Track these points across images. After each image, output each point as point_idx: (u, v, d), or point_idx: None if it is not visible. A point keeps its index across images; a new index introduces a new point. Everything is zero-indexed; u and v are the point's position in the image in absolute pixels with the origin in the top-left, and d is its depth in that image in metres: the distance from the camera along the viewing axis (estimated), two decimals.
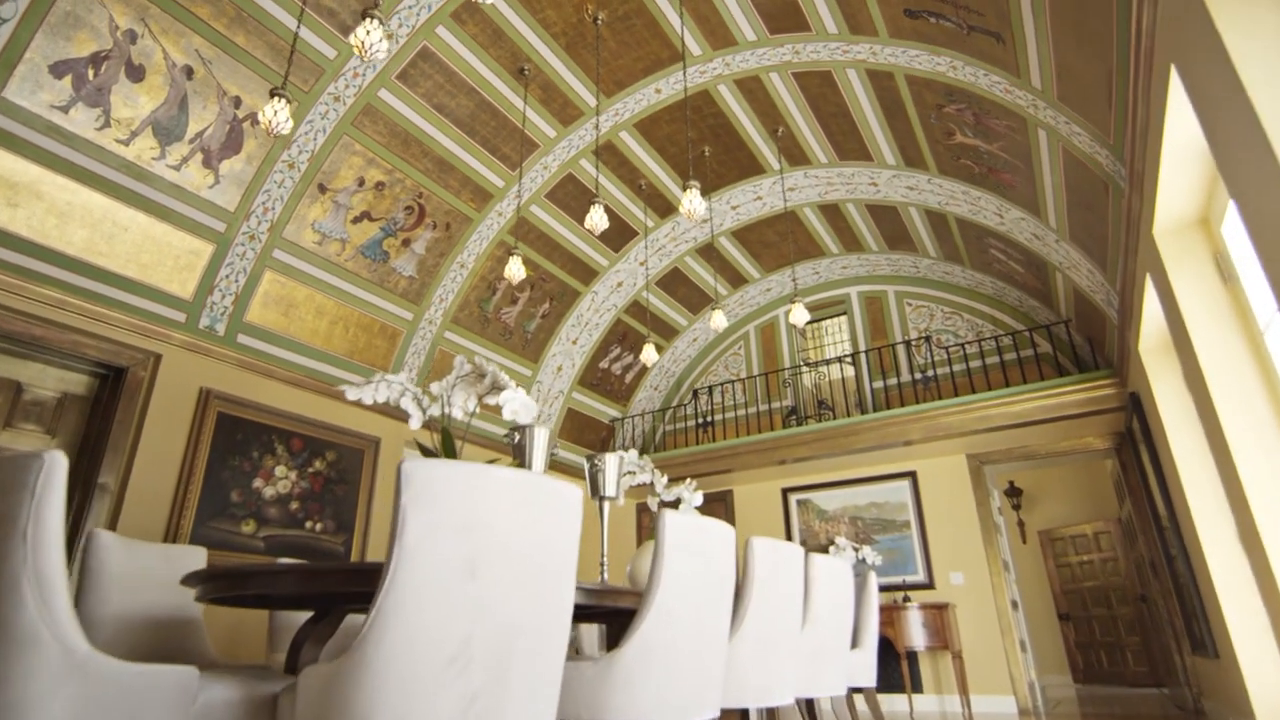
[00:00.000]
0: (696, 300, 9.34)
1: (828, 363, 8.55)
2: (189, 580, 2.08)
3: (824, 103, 6.14)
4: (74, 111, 4.48)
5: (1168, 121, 2.98)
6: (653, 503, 4.65)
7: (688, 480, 4.44)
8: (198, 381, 5.24)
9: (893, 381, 8.45)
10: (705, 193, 7.63)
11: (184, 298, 5.23)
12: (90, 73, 4.48)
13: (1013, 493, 11.08)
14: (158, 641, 2.81)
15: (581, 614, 3.05)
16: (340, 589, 1.82)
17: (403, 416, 6.73)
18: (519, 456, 3.62)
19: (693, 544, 2.57)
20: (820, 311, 9.59)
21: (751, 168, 7.32)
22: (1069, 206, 5.04)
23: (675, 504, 4.68)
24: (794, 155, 7.05)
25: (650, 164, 7.11)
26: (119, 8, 4.42)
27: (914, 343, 8.32)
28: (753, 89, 6.20)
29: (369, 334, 6.44)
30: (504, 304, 7.50)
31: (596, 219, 4.77)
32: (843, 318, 9.52)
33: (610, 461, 4.28)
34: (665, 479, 4.54)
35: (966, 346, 8.09)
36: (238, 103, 5.09)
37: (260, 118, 3.54)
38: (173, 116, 4.88)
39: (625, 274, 8.35)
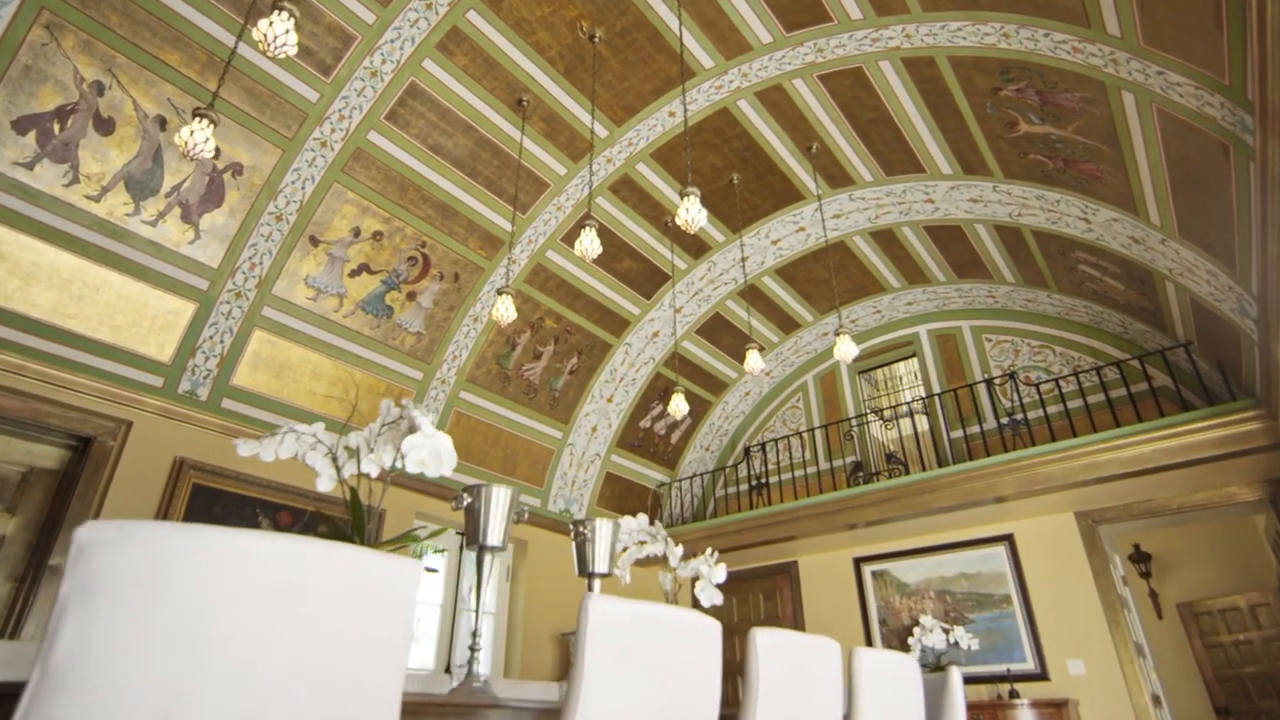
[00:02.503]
0: (743, 349, 8.49)
1: (895, 409, 7.48)
2: None
3: (859, 108, 5.39)
4: (39, 168, 4.26)
5: None
6: (665, 580, 3.81)
7: (708, 550, 3.56)
8: (172, 451, 4.80)
9: (974, 430, 7.27)
10: (738, 227, 6.92)
11: (162, 360, 4.86)
12: (56, 127, 4.27)
13: (1139, 558, 9.36)
14: None
15: None
16: None
17: (413, 484, 6.13)
18: (470, 525, 2.91)
19: (639, 650, 1.74)
20: (885, 355, 8.56)
21: (788, 195, 6.59)
22: (1175, 190, 4.03)
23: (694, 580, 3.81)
24: (834, 175, 6.28)
25: (674, 197, 6.50)
26: (83, 59, 4.23)
27: (996, 381, 7.17)
28: (777, 101, 5.53)
29: (374, 396, 5.93)
30: (526, 360, 6.91)
31: (587, 244, 4.13)
32: (912, 360, 8.44)
33: (601, 529, 3.49)
34: (680, 550, 3.69)
35: (1061, 383, 6.88)
36: (217, 153, 4.81)
37: (177, 139, 3.12)
38: (146, 170, 4.62)
39: (661, 322, 7.66)
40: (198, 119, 3.22)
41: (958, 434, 7.38)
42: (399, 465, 2.51)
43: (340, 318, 5.65)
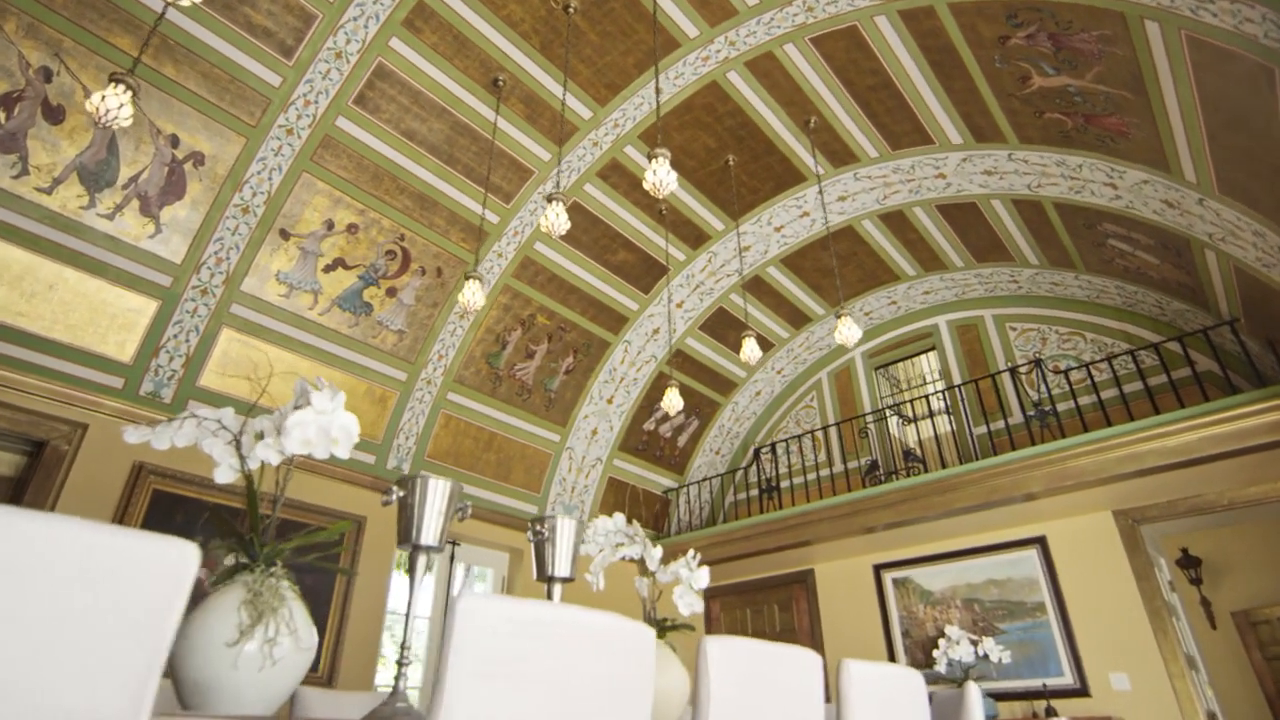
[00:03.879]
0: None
1: (911, 404, 7.00)
2: None
3: (857, 73, 5.00)
4: None
5: None
6: (641, 585, 3.43)
7: (690, 552, 3.17)
8: (131, 455, 4.54)
9: (999, 426, 6.75)
10: (738, 214, 6.55)
11: (122, 361, 4.62)
12: (1, 116, 4.08)
13: (1188, 562, 8.67)
14: None
15: None
16: None
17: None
18: (402, 522, 2.59)
19: (529, 665, 1.38)
20: (903, 349, 8.07)
21: (788, 176, 6.20)
22: (1211, 138, 3.57)
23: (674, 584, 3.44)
24: (836, 153, 5.88)
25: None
26: (28, 44, 4.03)
27: (1021, 370, 6.66)
28: (769, 70, 5.17)
29: (353, 398, 5.65)
30: (518, 359, 6.59)
31: (553, 218, 3.78)
32: (931, 354, 7.95)
33: (563, 528, 3.14)
34: (659, 552, 3.32)
35: (1093, 370, 6.35)
36: (175, 141, 4.59)
37: (88, 105, 2.86)
38: (101, 160, 4.41)
39: (661, 318, 7.29)
40: (114, 84, 2.97)
41: (981, 430, 6.86)
42: (315, 453, 2.19)
43: (315, 315, 5.39)
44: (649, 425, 7.85)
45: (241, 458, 2.28)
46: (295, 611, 2.10)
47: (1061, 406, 6.46)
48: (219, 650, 1.85)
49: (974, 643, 6.08)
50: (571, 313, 6.74)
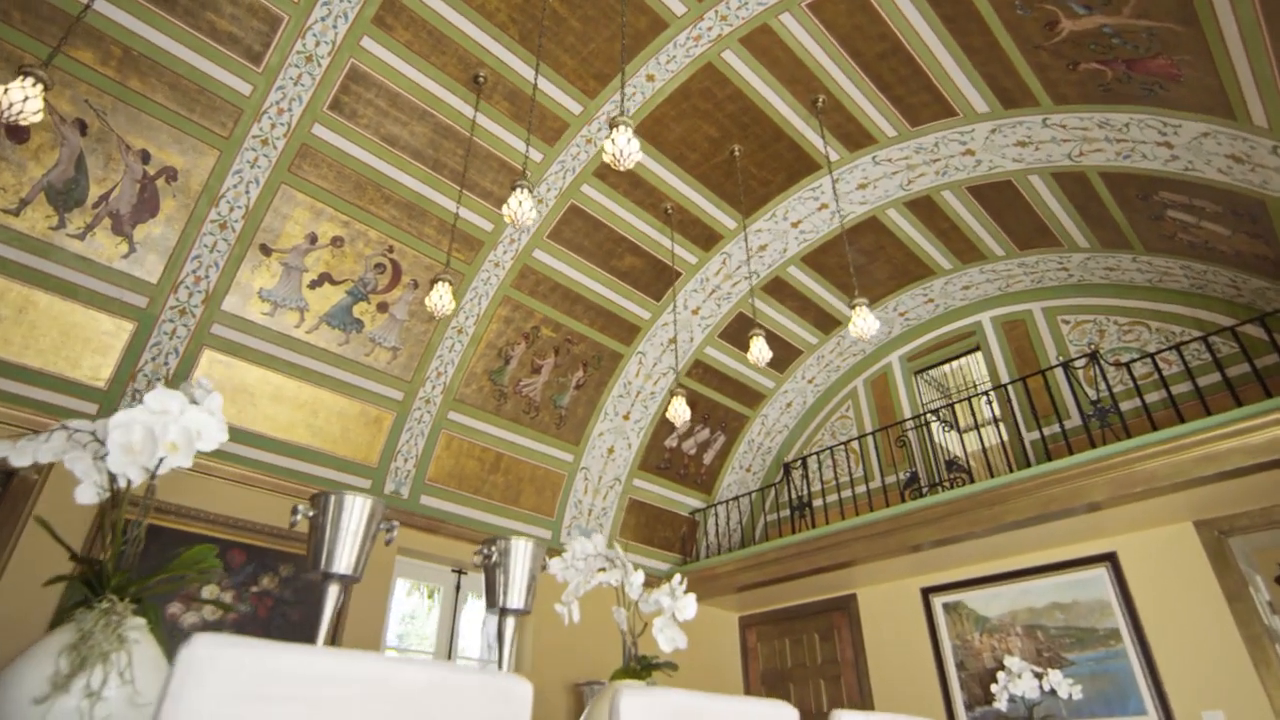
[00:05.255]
0: (781, 354, 7.57)
1: (953, 407, 6.36)
2: None
3: (863, 40, 4.54)
4: None
5: None
6: (620, 617, 2.97)
7: (675, 577, 2.71)
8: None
9: (1053, 430, 6.05)
10: (750, 210, 6.10)
11: (96, 386, 4.44)
12: None
13: None
14: None
15: None
16: None
17: (394, 516, 5.49)
18: (312, 544, 2.24)
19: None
20: (944, 351, 7.43)
21: (800, 165, 5.74)
22: None
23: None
24: (850, 135, 5.40)
25: (672, 180, 5.76)
26: None
27: (1076, 364, 5.97)
28: (767, 46, 4.75)
29: (345, 420, 5.38)
30: (523, 374, 6.24)
31: (514, 205, 3.43)
32: (976, 355, 7.28)
33: (517, 551, 2.77)
34: (640, 577, 2.87)
35: (1159, 361, 5.62)
36: (145, 156, 4.44)
37: None
38: (70, 179, 4.28)
39: (678, 326, 6.86)
40: (22, 76, 2.75)
41: (1035, 436, 6.17)
42: (141, 463, 1.81)
43: (302, 334, 5.16)
44: (670, 442, 7.38)
45: (112, 475, 1.91)
46: (139, 658, 1.68)
47: (1126, 405, 5.74)
48: (24, 709, 1.45)
49: (1038, 676, 5.36)
50: (578, 324, 6.37)
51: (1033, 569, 5.86)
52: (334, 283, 5.23)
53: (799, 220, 6.25)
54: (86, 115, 4.23)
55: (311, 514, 2.23)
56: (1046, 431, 6.06)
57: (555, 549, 6.46)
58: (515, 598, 2.62)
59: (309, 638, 4.76)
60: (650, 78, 5.01)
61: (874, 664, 6.59)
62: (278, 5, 4.28)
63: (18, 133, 4.11)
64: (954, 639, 6.14)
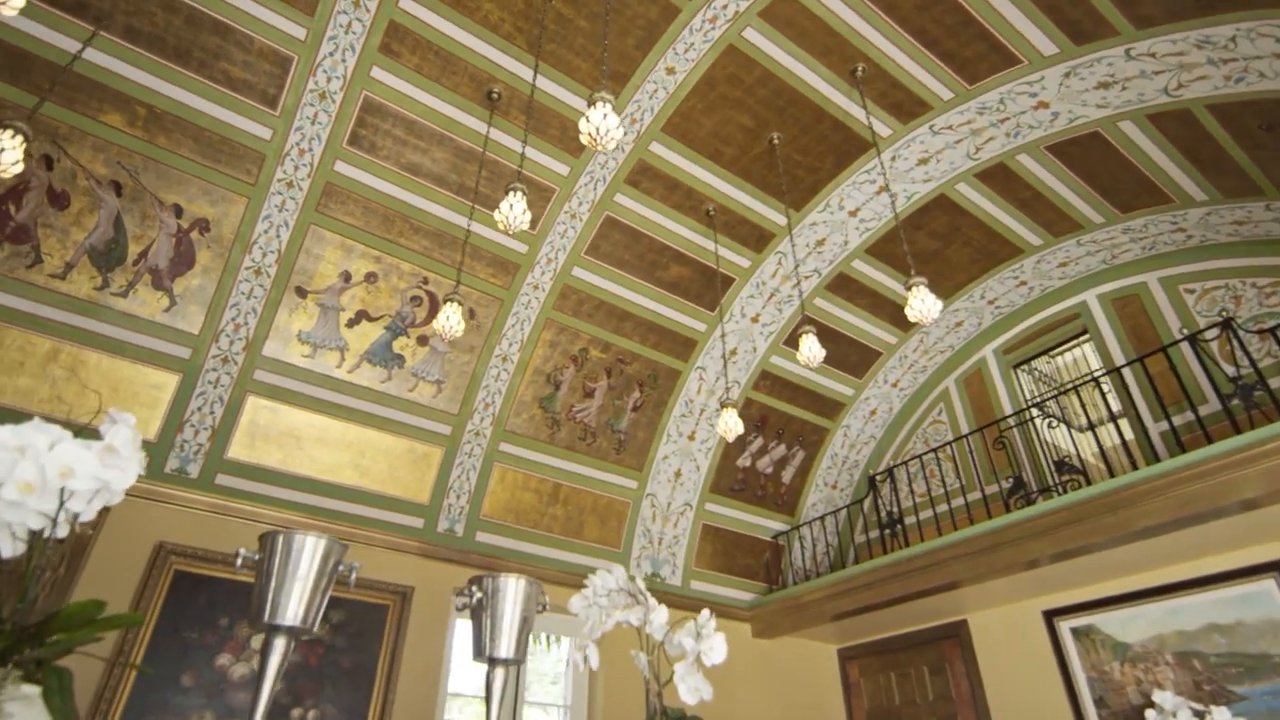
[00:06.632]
0: (855, 357, 6.95)
1: (1056, 398, 5.55)
2: None
3: None
4: (0, 252, 4.15)
5: None
6: (641, 661, 2.55)
7: (703, 612, 2.28)
8: (153, 536, 4.35)
9: (1185, 418, 5.13)
10: (800, 202, 5.62)
11: (147, 439, 4.50)
12: (11, 208, 4.17)
13: None
14: None
15: None
16: None
17: (449, 555, 5.29)
18: (257, 591, 1.98)
19: None
20: (1045, 339, 6.58)
21: (849, 146, 5.22)
22: None
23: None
24: (900, 104, 4.85)
25: (710, 179, 5.39)
26: None
27: (1206, 337, 5.05)
28: (789, 16, 4.33)
29: (392, 458, 5.26)
30: (575, 399, 5.96)
31: (505, 210, 3.15)
32: (1083, 340, 6.39)
33: (506, 590, 2.43)
34: (664, 613, 2.47)
35: None
36: (178, 210, 4.53)
37: None
38: (110, 240, 4.41)
39: (737, 336, 6.41)
40: (1, 130, 2.76)
41: (1163, 426, 5.26)
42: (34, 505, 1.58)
43: (344, 374, 5.10)
44: (744, 461, 6.87)
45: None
46: None
47: (1276, 382, 4.79)
48: None
49: (1199, 715, 4.43)
50: (629, 342, 6.05)
51: (1179, 584, 4.93)
52: (371, 319, 5.16)
53: (857, 208, 5.71)
54: (120, 176, 4.36)
55: (256, 557, 1.97)
56: (1177, 420, 5.15)
57: None
58: (505, 645, 2.25)
59: (363, 686, 4.59)
60: (670, 70, 4.69)
61: (994, 701, 5.74)
62: (286, 46, 4.29)
63: (59, 199, 4.27)
64: (1088, 670, 5.25)
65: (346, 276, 5.04)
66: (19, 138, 2.76)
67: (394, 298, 5.19)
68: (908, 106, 4.84)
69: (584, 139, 2.56)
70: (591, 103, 2.65)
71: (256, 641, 4.43)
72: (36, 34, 3.84)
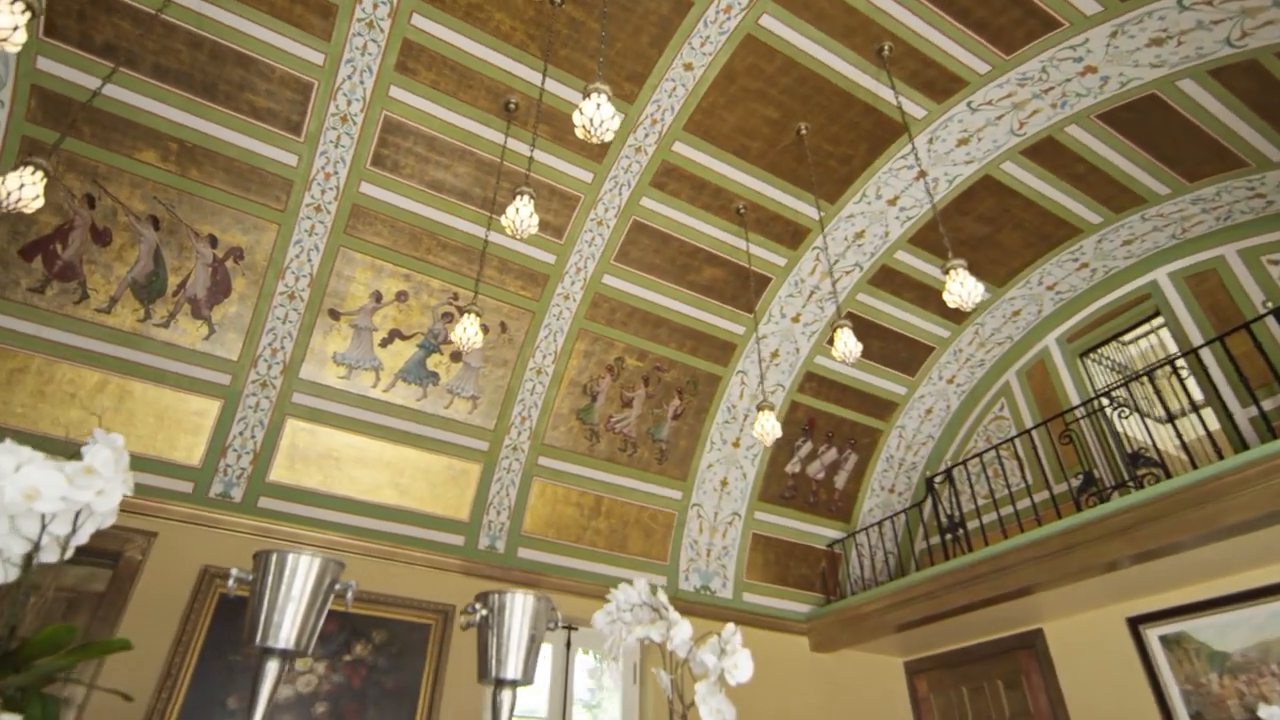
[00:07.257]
0: (906, 353, 6.63)
1: (1127, 387, 5.13)
2: None
3: None
4: (49, 290, 4.33)
5: None
6: (664, 680, 2.40)
7: (728, 627, 2.12)
8: (200, 559, 4.42)
9: (1273, 404, 4.65)
10: (834, 195, 5.39)
11: (191, 465, 4.61)
12: (58, 247, 4.34)
13: None
14: None
15: None
16: None
17: (491, 572, 5.23)
18: (250, 615, 1.95)
19: None
20: (1113, 324, 6.13)
21: (881, 131, 4.98)
22: None
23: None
24: (932, 82, 4.60)
25: (738, 176, 5.22)
26: (70, 177, 4.28)
27: None
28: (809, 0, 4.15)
29: (430, 476, 5.25)
30: (613, 410, 5.85)
31: (511, 214, 3.08)
32: (1156, 323, 5.92)
33: (514, 607, 2.34)
34: (686, 629, 2.33)
35: None
36: (213, 241, 4.65)
37: None
38: (150, 273, 4.55)
39: (778, 338, 6.19)
40: (21, 167, 2.84)
41: (1251, 411, 4.79)
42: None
43: (380, 393, 5.13)
44: (792, 467, 6.62)
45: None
46: None
47: None
48: None
49: None
50: (665, 348, 5.90)
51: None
52: (404, 338, 5.18)
53: (895, 196, 5.44)
54: (157, 210, 4.49)
55: (249, 578, 1.91)
56: (1267, 404, 4.68)
57: (676, 598, 5.89)
58: (512, 666, 2.13)
59: (407, 706, 4.54)
60: (688, 66, 4.57)
61: (1077, 716, 5.30)
62: (306, 72, 4.36)
63: (101, 236, 4.43)
64: (1182, 682, 4.78)
65: (378, 296, 5.07)
66: (39, 174, 2.83)
67: (425, 315, 5.20)
68: (941, 84, 4.58)
69: (579, 132, 2.46)
70: (586, 94, 2.54)
71: (301, 664, 4.45)
72: (69, 77, 4.00)
